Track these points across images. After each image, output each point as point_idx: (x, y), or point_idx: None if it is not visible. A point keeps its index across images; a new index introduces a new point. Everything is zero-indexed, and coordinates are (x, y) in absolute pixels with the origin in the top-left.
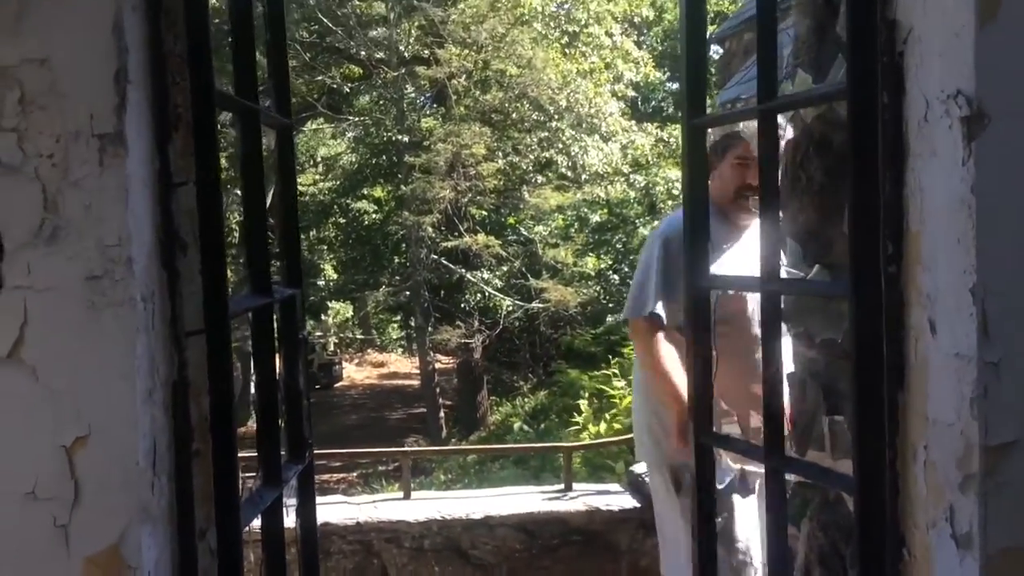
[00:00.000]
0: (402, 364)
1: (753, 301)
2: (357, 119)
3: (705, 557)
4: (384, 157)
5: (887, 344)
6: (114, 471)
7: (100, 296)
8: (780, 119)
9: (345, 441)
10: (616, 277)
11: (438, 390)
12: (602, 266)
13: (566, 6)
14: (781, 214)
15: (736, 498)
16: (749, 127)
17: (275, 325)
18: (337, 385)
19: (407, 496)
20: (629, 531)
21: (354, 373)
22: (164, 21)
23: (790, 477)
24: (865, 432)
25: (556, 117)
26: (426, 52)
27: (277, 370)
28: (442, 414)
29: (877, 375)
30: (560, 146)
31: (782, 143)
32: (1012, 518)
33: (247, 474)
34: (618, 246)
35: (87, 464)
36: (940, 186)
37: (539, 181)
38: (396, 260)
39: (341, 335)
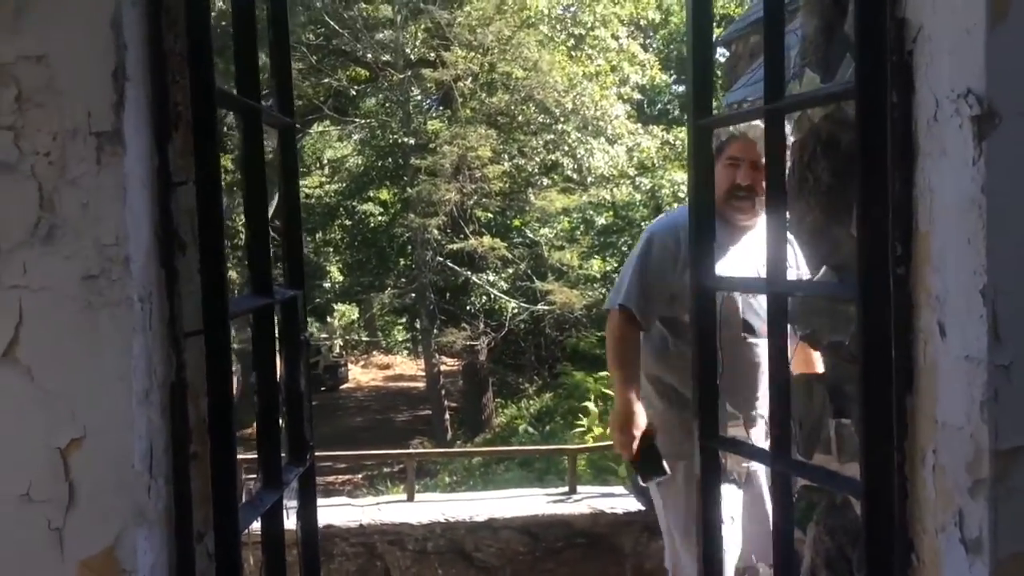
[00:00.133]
0: (407, 366)
1: (743, 301)
2: (363, 121)
3: (710, 564)
4: (390, 159)
5: (896, 347)
6: (109, 473)
7: (97, 296)
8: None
9: (350, 443)
10: None
11: (443, 392)
12: (607, 268)
13: (572, 9)
14: (788, 215)
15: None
16: (741, 128)
17: (276, 327)
18: (343, 387)
19: (411, 498)
20: (633, 534)
21: (360, 375)
22: (164, 19)
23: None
24: (873, 436)
25: (562, 120)
26: (432, 55)
27: (278, 372)
28: (447, 416)
29: (885, 378)
30: (566, 148)
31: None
32: (1022, 523)
33: (249, 475)
34: (623, 248)
35: (82, 466)
36: (950, 186)
37: (545, 183)
38: (402, 262)
39: (347, 337)
